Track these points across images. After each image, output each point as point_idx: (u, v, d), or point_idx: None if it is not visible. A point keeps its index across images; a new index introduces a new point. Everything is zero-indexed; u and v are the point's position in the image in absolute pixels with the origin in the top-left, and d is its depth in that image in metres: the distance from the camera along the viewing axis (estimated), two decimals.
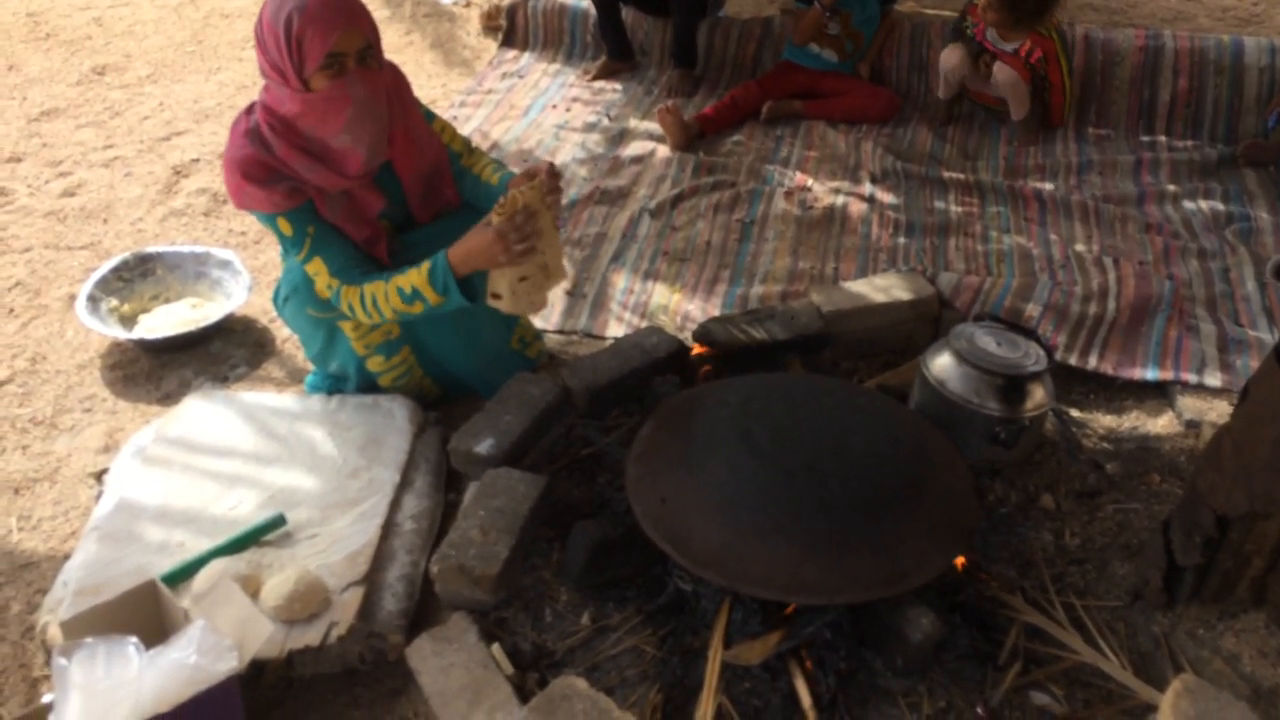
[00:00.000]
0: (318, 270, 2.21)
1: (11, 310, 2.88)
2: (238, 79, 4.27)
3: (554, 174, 2.18)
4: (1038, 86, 3.87)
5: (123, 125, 3.90)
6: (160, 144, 3.77)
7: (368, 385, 2.48)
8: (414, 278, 2.15)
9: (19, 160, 3.63)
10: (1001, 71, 3.78)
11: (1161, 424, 2.54)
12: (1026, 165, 3.74)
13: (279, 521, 2.07)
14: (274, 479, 2.21)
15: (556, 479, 2.31)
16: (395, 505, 2.17)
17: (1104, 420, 2.58)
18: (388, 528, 2.11)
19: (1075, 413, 2.58)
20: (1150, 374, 2.65)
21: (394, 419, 2.37)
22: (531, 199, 2.11)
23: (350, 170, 2.15)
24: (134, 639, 1.55)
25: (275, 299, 2.41)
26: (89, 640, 1.53)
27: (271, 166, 2.09)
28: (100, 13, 4.84)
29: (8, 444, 2.45)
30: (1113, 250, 3.19)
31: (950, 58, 3.91)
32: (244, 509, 2.13)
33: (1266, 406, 1.75)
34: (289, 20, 1.98)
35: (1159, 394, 2.64)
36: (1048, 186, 3.58)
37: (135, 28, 4.71)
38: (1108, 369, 2.67)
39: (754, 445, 2.07)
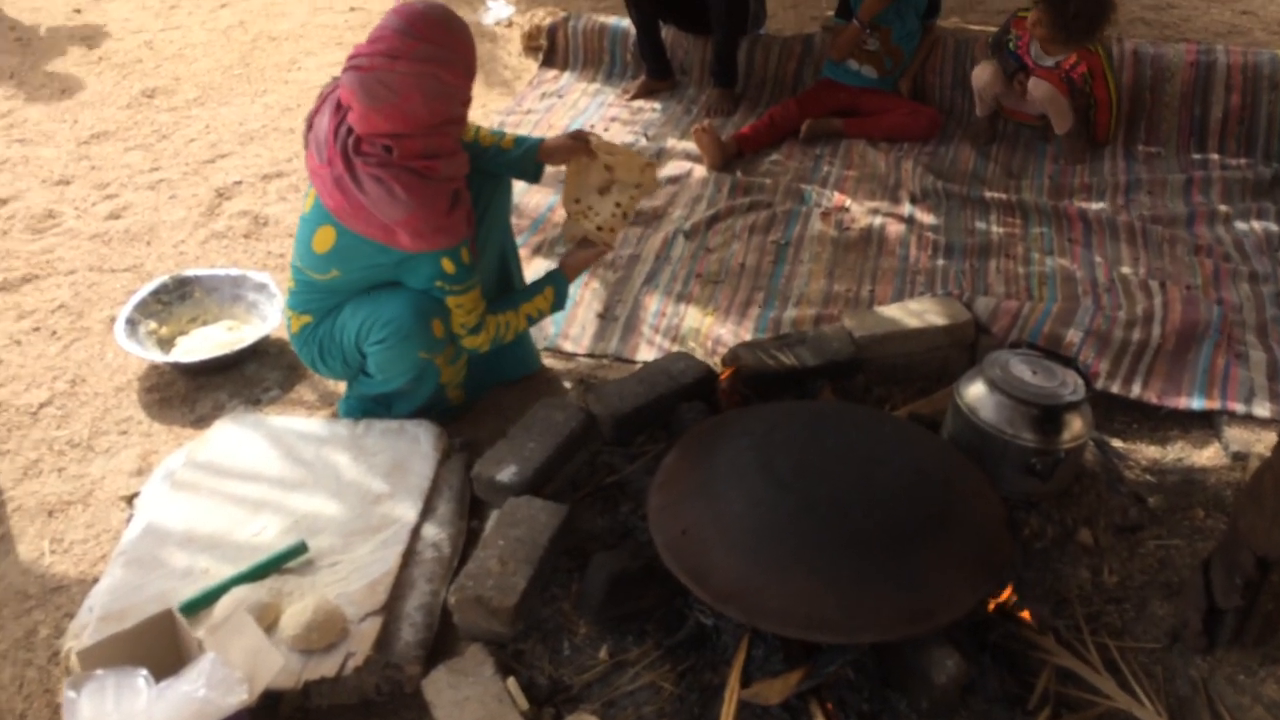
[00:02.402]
0: (474, 303, 2.29)
1: (54, 332, 2.93)
2: (283, 101, 4.32)
3: (582, 137, 2.49)
4: (1082, 103, 3.78)
5: (169, 148, 3.96)
6: (205, 166, 3.83)
7: (428, 407, 2.50)
8: (540, 304, 2.47)
9: (68, 183, 3.70)
10: (1037, 87, 3.70)
11: (1207, 455, 2.46)
12: (1072, 184, 3.66)
13: (301, 549, 2.08)
14: (298, 505, 2.22)
15: (579, 507, 2.29)
16: (416, 533, 2.16)
17: (1147, 451, 2.50)
18: (408, 556, 2.11)
19: (1117, 443, 2.51)
20: (1196, 403, 2.56)
21: (419, 444, 2.37)
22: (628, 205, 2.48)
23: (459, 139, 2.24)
24: (144, 671, 1.56)
25: (334, 351, 2.38)
26: (99, 673, 1.54)
27: (446, 191, 2.14)
28: (152, 36, 4.94)
29: (45, 466, 2.49)
30: (1160, 273, 3.10)
31: (981, 75, 3.84)
32: (268, 535, 2.14)
33: None
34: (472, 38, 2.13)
35: (1205, 424, 2.56)
36: (1094, 206, 3.49)
37: (185, 51, 4.79)
38: (1151, 398, 2.59)
39: (775, 476, 2.04)
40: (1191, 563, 2.14)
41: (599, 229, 2.46)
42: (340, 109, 2.13)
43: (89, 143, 3.98)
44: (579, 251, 2.58)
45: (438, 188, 2.12)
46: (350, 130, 2.10)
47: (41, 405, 2.66)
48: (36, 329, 2.94)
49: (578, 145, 2.49)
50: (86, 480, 2.44)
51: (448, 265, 2.18)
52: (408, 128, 2.06)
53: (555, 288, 2.51)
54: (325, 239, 2.21)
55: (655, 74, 4.45)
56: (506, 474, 2.22)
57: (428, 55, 2.01)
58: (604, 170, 2.48)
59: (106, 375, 2.78)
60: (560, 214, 3.09)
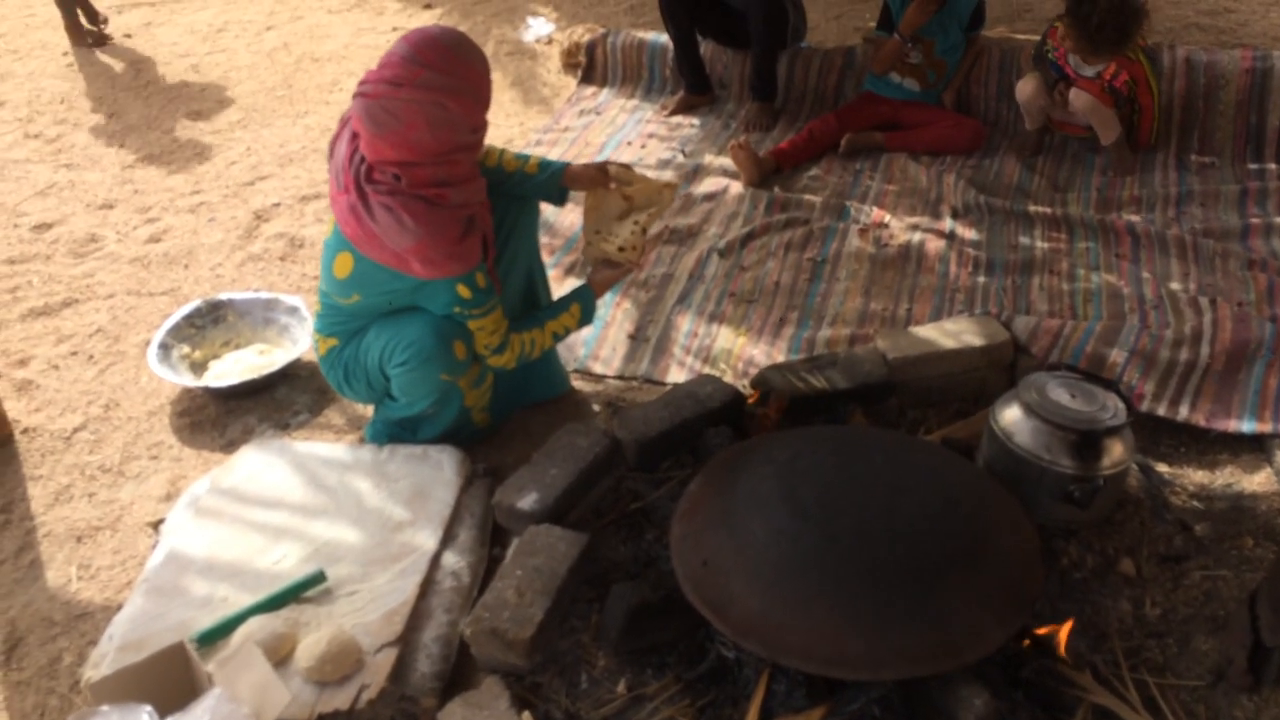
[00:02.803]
0: (496, 324, 2.27)
1: (91, 357, 2.97)
2: (323, 122, 4.36)
3: (606, 170, 2.49)
4: (1127, 112, 3.67)
5: (211, 171, 4.01)
6: (244, 189, 3.87)
7: (454, 430, 2.49)
8: (567, 320, 2.45)
9: (111, 207, 3.76)
10: (1078, 98, 3.59)
11: (1258, 481, 2.36)
12: (1120, 197, 3.55)
13: (319, 578, 2.06)
14: (320, 532, 2.21)
15: (602, 535, 2.25)
16: (436, 562, 2.14)
17: (1194, 476, 2.40)
18: (427, 585, 2.09)
19: (1163, 467, 2.42)
20: (1247, 426, 2.46)
21: (442, 470, 2.35)
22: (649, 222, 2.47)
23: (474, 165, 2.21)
24: (148, 708, 1.55)
25: (359, 374, 2.37)
26: (104, 709, 1.53)
27: (458, 218, 2.13)
28: (198, 60, 5.02)
29: (76, 491, 2.51)
30: (1211, 289, 2.99)
31: (1025, 89, 3.74)
32: (288, 563, 2.13)
33: None
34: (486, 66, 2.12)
35: (1256, 448, 2.45)
36: (1143, 219, 3.38)
37: (230, 73, 4.86)
38: (1199, 420, 2.49)
39: (799, 506, 1.98)
40: (1239, 595, 2.05)
41: (620, 249, 2.43)
42: (356, 136, 2.12)
43: (133, 167, 4.05)
44: (606, 269, 2.57)
45: (448, 215, 2.10)
46: (363, 158, 2.10)
47: (75, 430, 2.69)
48: (74, 353, 2.98)
49: (600, 177, 2.48)
50: (116, 506, 2.46)
51: (463, 291, 2.16)
52: (414, 156, 2.05)
53: (582, 304, 2.49)
54: (344, 265, 2.21)
55: (694, 89, 4.41)
56: (527, 501, 2.19)
57: (433, 83, 1.99)
58: (622, 200, 2.48)
59: (140, 399, 2.81)
60: None
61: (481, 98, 2.10)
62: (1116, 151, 3.68)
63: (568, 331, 2.48)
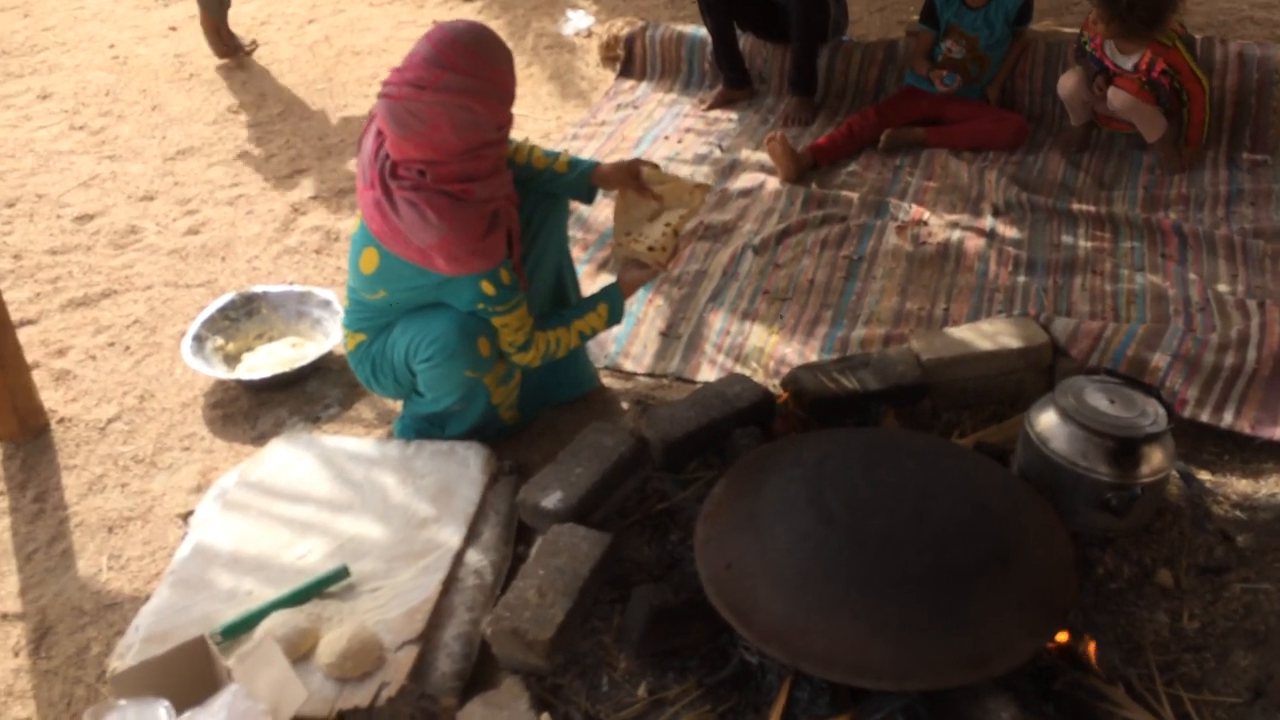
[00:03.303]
0: (520, 322, 2.26)
1: (128, 348, 3.00)
2: (362, 115, 4.37)
3: (639, 168, 2.47)
4: (1175, 105, 3.56)
5: (250, 163, 4.04)
6: (283, 181, 3.89)
7: (481, 426, 2.49)
8: (594, 320, 2.43)
9: (151, 199, 3.80)
10: (1116, 96, 3.49)
11: None
12: (1168, 195, 3.46)
13: (343, 574, 2.07)
14: (345, 527, 2.21)
15: (627, 535, 2.23)
16: (459, 559, 2.14)
17: (1238, 485, 2.33)
18: (450, 583, 2.08)
19: (1205, 475, 2.35)
20: None
21: (468, 467, 2.35)
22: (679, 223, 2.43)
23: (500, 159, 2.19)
24: (165, 703, 1.55)
25: (386, 369, 2.37)
26: (121, 703, 1.54)
27: (483, 214, 2.12)
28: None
29: (109, 481, 2.54)
30: (1260, 291, 2.90)
31: (1066, 84, 3.66)
32: (313, 558, 2.14)
33: None
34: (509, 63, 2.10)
35: None
36: (1190, 219, 3.29)
37: (272, 65, 4.89)
38: (1244, 427, 2.42)
39: (825, 510, 1.95)
40: None
41: (650, 249, 2.40)
42: (381, 133, 2.12)
43: (174, 159, 4.08)
44: (636, 269, 2.54)
45: (473, 210, 2.09)
46: (388, 155, 2.09)
47: (110, 420, 2.72)
48: (111, 344, 3.01)
49: (629, 178, 2.45)
50: (148, 497, 2.48)
51: (487, 287, 2.15)
52: (439, 155, 2.04)
53: (610, 304, 2.47)
54: (370, 260, 2.20)
55: (732, 83, 4.37)
56: (551, 500, 2.18)
57: (456, 85, 1.98)
58: (653, 201, 2.45)
59: (174, 391, 2.83)
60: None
61: (506, 95, 2.08)
62: (1163, 149, 3.58)
63: (594, 332, 2.46)
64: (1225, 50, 3.73)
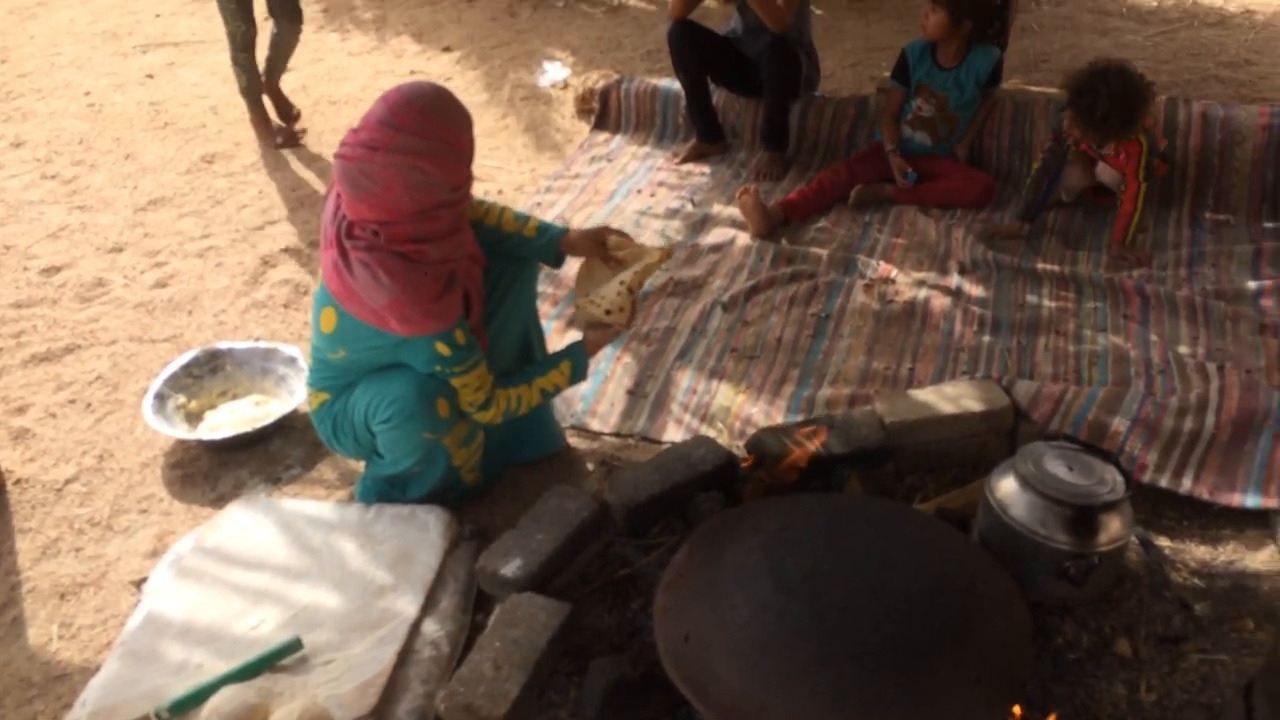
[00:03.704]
0: (480, 381, 2.25)
1: (89, 405, 2.97)
2: None
3: (606, 235, 2.46)
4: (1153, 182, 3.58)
5: (222, 214, 4.03)
6: (254, 233, 3.88)
7: (443, 489, 2.48)
8: (556, 378, 2.42)
9: (120, 250, 3.79)
10: (1105, 172, 3.59)
11: (1262, 559, 2.29)
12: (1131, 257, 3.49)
13: (295, 645, 2.04)
14: (300, 596, 2.19)
15: (588, 603, 2.21)
16: (416, 629, 2.11)
17: (1197, 551, 2.34)
18: (405, 654, 2.06)
19: (1164, 541, 2.36)
20: (1251, 500, 2.40)
21: (428, 532, 2.33)
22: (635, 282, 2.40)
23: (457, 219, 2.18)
24: None
25: (346, 429, 2.35)
26: None
27: (437, 275, 2.11)
28: (216, 101, 5.06)
29: (63, 545, 2.50)
30: (1219, 354, 2.93)
31: (1070, 177, 3.73)
32: (266, 628, 2.11)
33: None
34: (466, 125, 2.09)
35: (1261, 523, 2.38)
36: (1153, 279, 3.32)
37: (248, 115, 4.89)
38: (1203, 493, 2.43)
39: (784, 581, 1.94)
40: (1236, 681, 1.98)
41: (607, 313, 2.40)
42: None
43: (145, 209, 4.08)
44: (598, 329, 2.56)
45: (427, 272, 2.08)
46: (345, 215, 2.09)
47: (68, 481, 2.69)
48: (72, 401, 2.99)
49: (596, 246, 2.46)
50: (101, 561, 2.45)
51: (442, 348, 2.15)
52: (392, 215, 2.04)
53: (573, 362, 2.47)
54: (329, 319, 2.20)
55: (705, 137, 4.41)
56: (511, 568, 2.16)
57: (408, 147, 1.98)
58: (616, 266, 2.45)
59: (134, 450, 2.80)
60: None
61: (462, 157, 2.08)
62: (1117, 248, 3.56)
63: (557, 389, 2.46)
64: (1189, 110, 3.79)
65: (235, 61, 4.37)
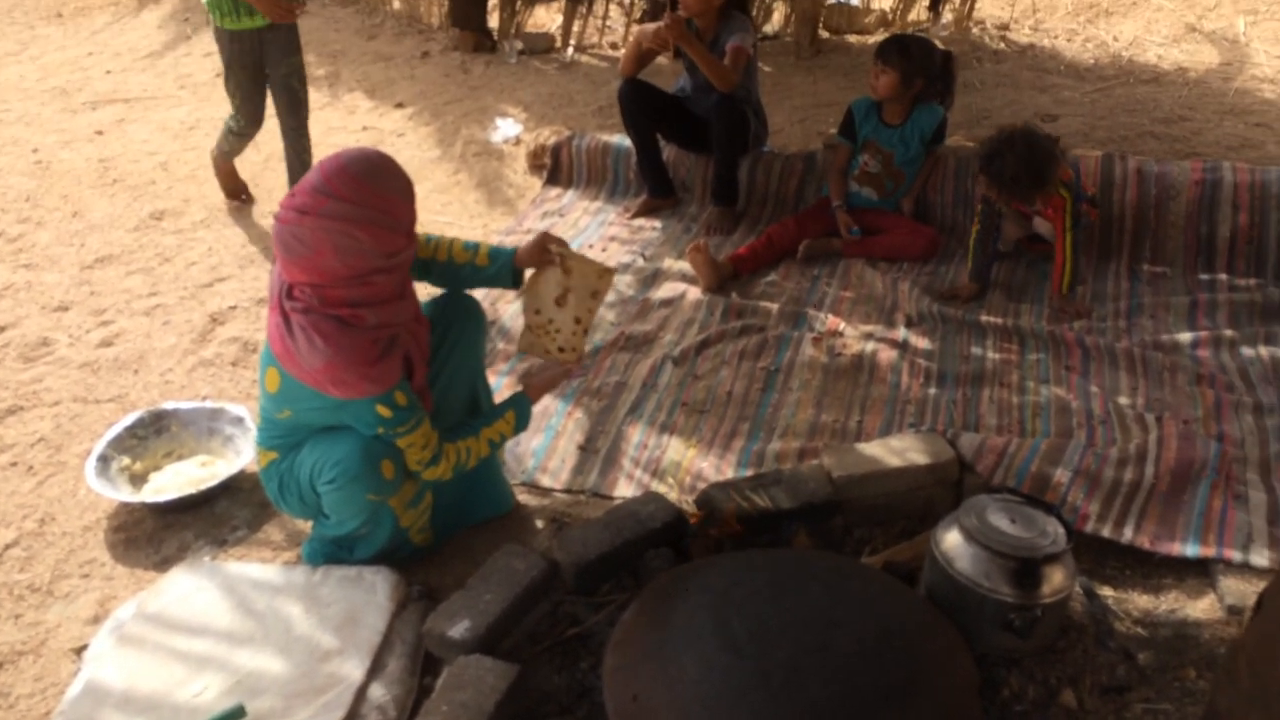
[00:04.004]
0: (425, 439, 2.24)
1: (31, 468, 2.92)
2: None
3: (549, 243, 2.44)
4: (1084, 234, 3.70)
5: (170, 271, 4.01)
6: (202, 290, 3.86)
7: (391, 549, 2.46)
8: (502, 427, 2.44)
9: (66, 309, 3.75)
10: (1041, 225, 3.70)
11: (1202, 607, 2.33)
12: (1072, 308, 3.57)
13: (238, 713, 2.01)
14: (244, 662, 2.15)
15: (537, 663, 2.20)
16: (361, 695, 2.08)
17: (1139, 601, 2.37)
18: None
19: (1108, 591, 2.39)
20: (1190, 550, 2.44)
21: (375, 594, 2.31)
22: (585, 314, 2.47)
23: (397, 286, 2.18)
24: None
25: (292, 489, 2.34)
26: None
27: (374, 339, 2.10)
28: (167, 157, 5.05)
29: (2, 612, 2.44)
30: (1158, 404, 2.99)
31: (1008, 232, 3.82)
32: (209, 695, 2.07)
33: None
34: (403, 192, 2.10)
35: (1200, 571, 2.43)
36: (1093, 331, 3.40)
37: (198, 171, 4.88)
38: (1144, 542, 2.47)
39: (732, 639, 1.95)
40: None
41: (560, 350, 2.44)
42: None
43: (92, 267, 4.04)
44: (544, 373, 2.59)
45: (363, 336, 2.08)
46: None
47: (7, 547, 2.64)
48: (14, 464, 2.94)
49: (541, 253, 2.46)
50: (41, 629, 2.39)
51: (383, 411, 2.14)
52: (324, 279, 2.04)
53: (517, 410, 2.48)
54: (273, 380, 2.20)
55: (656, 192, 4.46)
56: (459, 629, 2.15)
57: (338, 213, 1.99)
58: (561, 276, 2.46)
59: (76, 513, 2.76)
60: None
61: (396, 225, 2.07)
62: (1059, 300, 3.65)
63: (503, 439, 2.46)
64: (1124, 166, 3.90)
65: (227, 135, 4.34)
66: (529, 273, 2.52)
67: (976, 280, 3.70)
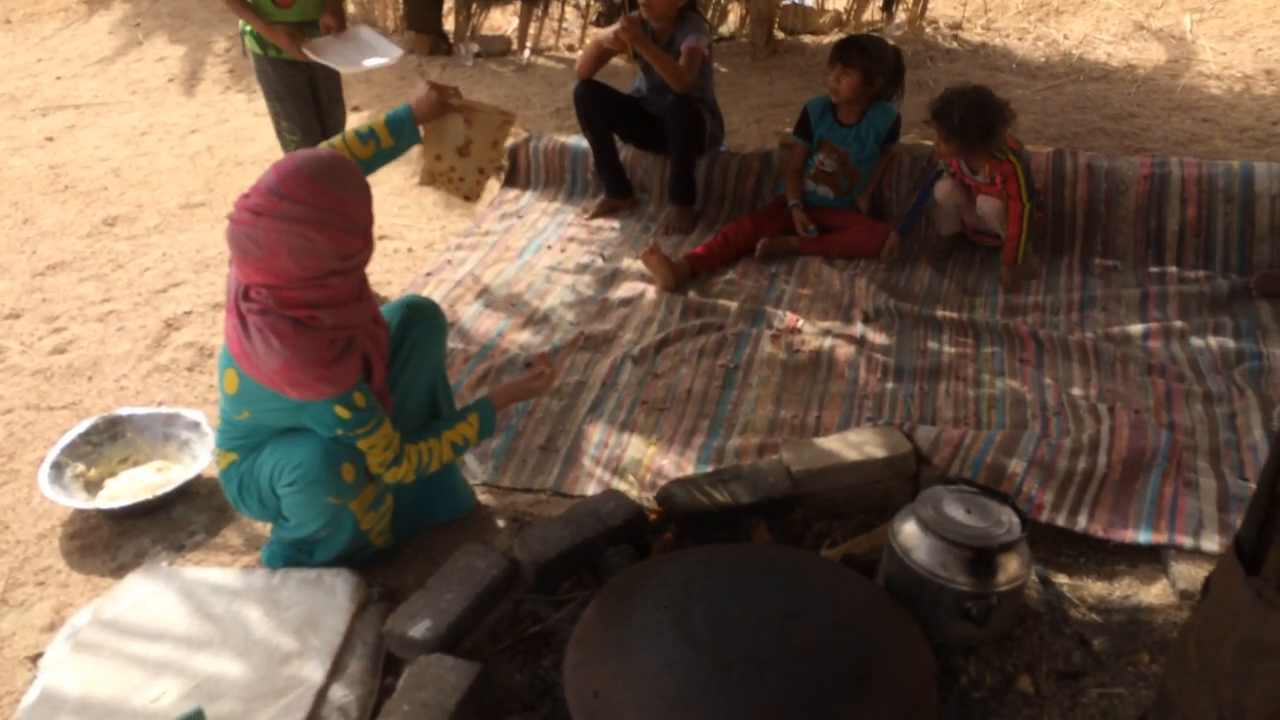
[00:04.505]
0: (386, 441, 2.23)
1: None
2: None
3: (447, 95, 2.53)
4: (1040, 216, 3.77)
5: (124, 278, 3.96)
6: (157, 296, 3.82)
7: (352, 552, 2.45)
8: (465, 430, 2.43)
9: (18, 316, 3.69)
10: (984, 203, 3.73)
11: (1154, 593, 2.37)
12: (1026, 302, 3.62)
13: (197, 717, 1.98)
14: (202, 666, 2.13)
15: (498, 662, 2.20)
16: (322, 696, 2.07)
17: (1094, 588, 2.41)
18: None
19: (1063, 578, 2.42)
20: (1143, 536, 2.48)
21: (335, 596, 2.29)
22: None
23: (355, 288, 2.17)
24: None
25: (251, 491, 2.33)
26: None
27: (331, 340, 2.09)
28: (119, 163, 4.99)
29: None
30: (1111, 395, 3.04)
31: (942, 189, 3.86)
32: (167, 700, 2.05)
33: (1226, 606, 1.60)
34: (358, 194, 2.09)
35: (1153, 558, 2.47)
36: (1046, 324, 3.45)
37: (151, 177, 4.84)
38: (1098, 530, 2.51)
39: (691, 633, 1.96)
40: (1134, 714, 2.04)
41: (466, 198, 2.56)
42: None
43: (44, 274, 3.99)
44: (511, 382, 2.59)
45: (320, 337, 2.07)
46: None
47: None
48: None
49: (441, 105, 2.53)
50: None
51: (341, 412, 2.13)
52: (279, 280, 2.03)
53: (480, 414, 2.48)
54: (232, 381, 2.18)
55: (614, 193, 4.47)
56: (420, 629, 2.14)
57: (292, 214, 1.97)
58: (463, 125, 2.53)
59: (31, 521, 2.72)
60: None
61: (351, 226, 2.06)
62: (1007, 269, 3.75)
63: (467, 443, 2.45)
64: (1075, 161, 3.96)
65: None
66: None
67: (897, 229, 3.92)
